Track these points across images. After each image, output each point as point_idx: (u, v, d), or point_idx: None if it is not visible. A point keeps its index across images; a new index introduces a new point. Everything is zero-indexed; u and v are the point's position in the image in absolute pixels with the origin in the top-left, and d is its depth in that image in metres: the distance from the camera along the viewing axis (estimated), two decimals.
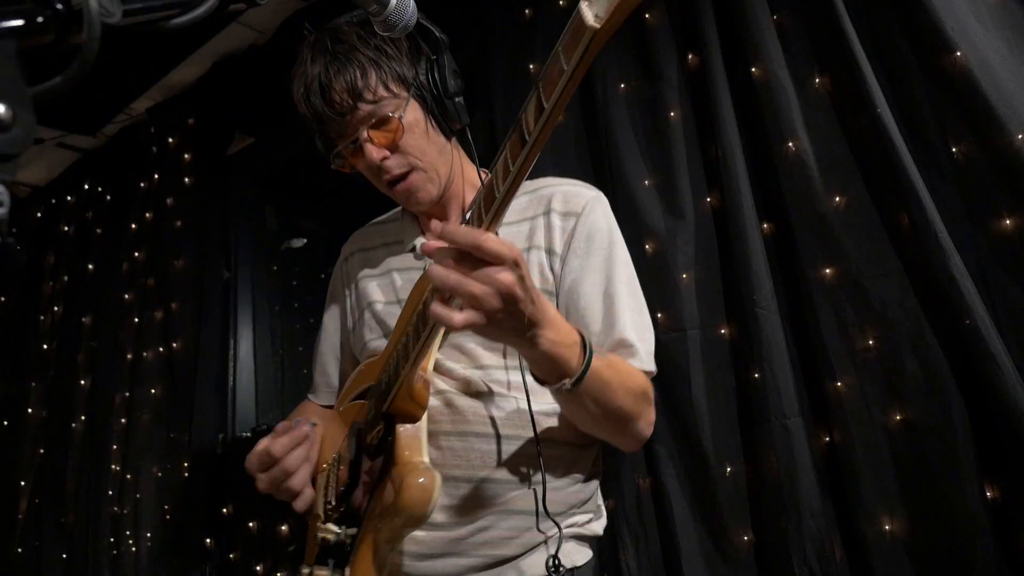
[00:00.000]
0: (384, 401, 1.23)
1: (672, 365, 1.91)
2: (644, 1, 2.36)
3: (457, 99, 1.38)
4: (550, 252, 1.37)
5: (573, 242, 1.36)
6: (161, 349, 3.38)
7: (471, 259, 0.89)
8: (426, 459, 1.21)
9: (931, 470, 1.58)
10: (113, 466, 3.39)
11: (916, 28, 1.71)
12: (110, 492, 3.37)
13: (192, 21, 0.77)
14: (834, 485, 1.70)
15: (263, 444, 1.31)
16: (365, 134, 1.32)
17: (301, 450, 1.31)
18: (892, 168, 1.67)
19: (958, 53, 1.64)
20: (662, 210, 2.03)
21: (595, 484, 1.40)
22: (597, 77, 2.21)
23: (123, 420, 3.43)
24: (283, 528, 2.81)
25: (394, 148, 1.34)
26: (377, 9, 1.12)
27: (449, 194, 1.48)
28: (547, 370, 1.05)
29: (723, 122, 1.94)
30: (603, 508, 1.44)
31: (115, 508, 3.32)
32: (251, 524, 2.93)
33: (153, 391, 3.34)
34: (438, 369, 1.32)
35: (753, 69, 1.93)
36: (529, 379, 1.26)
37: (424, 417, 1.24)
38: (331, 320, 1.67)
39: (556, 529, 1.26)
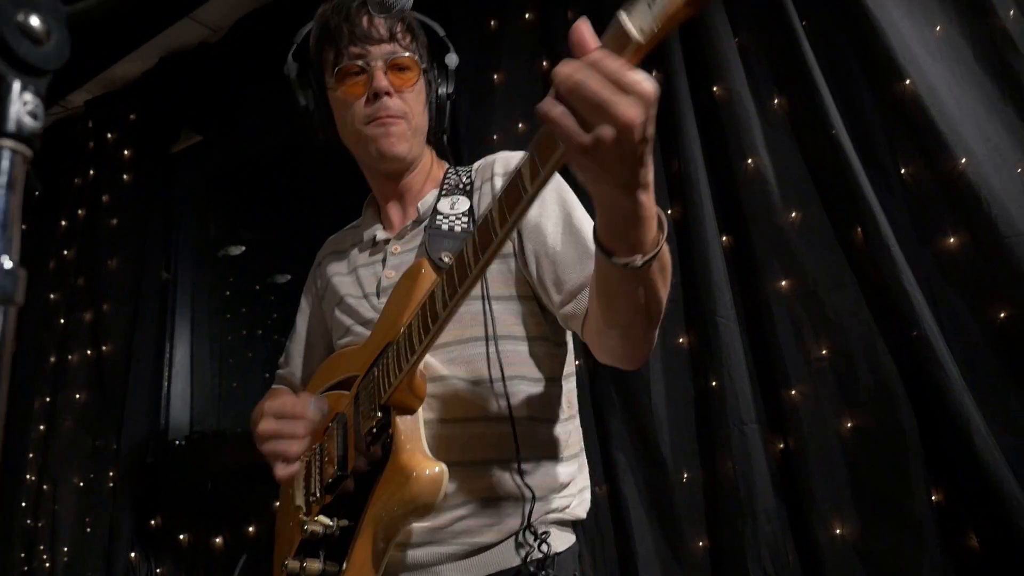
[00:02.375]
0: (382, 393, 1.21)
1: (633, 373, 1.93)
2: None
3: (449, 105, 1.47)
4: None
5: None
6: (89, 352, 3.21)
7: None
8: (428, 451, 1.18)
9: (881, 475, 1.64)
10: (28, 476, 3.19)
11: (870, 56, 1.81)
12: (23, 504, 3.15)
13: None
14: (789, 490, 1.75)
15: (290, 399, 1.28)
16: (382, 64, 1.35)
17: (309, 425, 1.27)
18: (847, 186, 1.75)
19: (907, 81, 1.75)
20: None
21: (574, 465, 1.37)
22: None
23: (42, 427, 3.23)
24: (217, 540, 2.69)
25: (399, 93, 1.37)
26: None
27: (410, 179, 1.48)
28: (623, 238, 0.90)
29: (686, 137, 2.00)
30: (587, 490, 1.40)
31: (28, 521, 3.12)
32: (182, 536, 2.79)
33: (78, 396, 3.17)
34: None
35: (715, 88, 2.00)
36: (502, 348, 1.26)
37: (421, 409, 1.22)
38: (303, 323, 1.65)
39: (534, 518, 1.24)
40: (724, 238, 1.95)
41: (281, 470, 1.25)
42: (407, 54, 1.38)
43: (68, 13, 0.55)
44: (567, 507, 1.32)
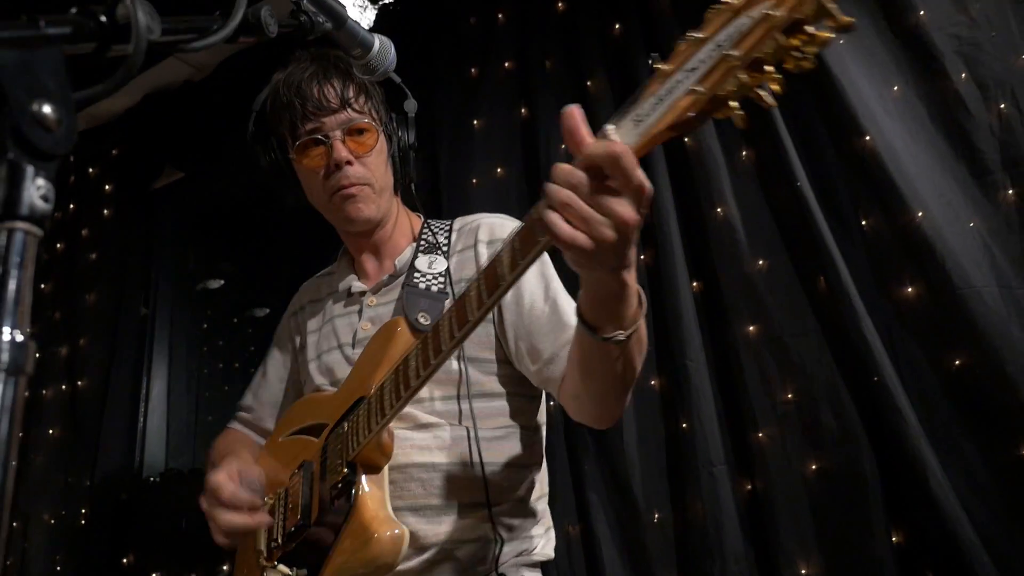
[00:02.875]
0: (350, 449, 1.24)
1: None
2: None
3: (413, 154, 1.48)
4: None
5: None
6: (64, 387, 3.19)
7: (599, 176, 0.80)
8: (391, 510, 1.22)
9: (844, 516, 1.70)
10: None
11: (831, 112, 1.91)
12: None
13: (209, 45, 0.81)
14: (756, 531, 1.80)
15: (218, 480, 1.29)
16: (340, 134, 1.38)
17: (239, 519, 1.29)
18: (810, 236, 1.83)
19: (867, 137, 1.84)
20: None
21: (542, 505, 1.42)
22: (541, 137, 2.33)
23: (12, 463, 3.19)
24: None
25: (359, 159, 1.40)
26: (360, 53, 1.17)
27: (383, 233, 1.52)
28: (608, 315, 0.96)
29: (658, 186, 2.08)
30: (552, 530, 1.44)
31: None
32: (154, 575, 2.77)
33: (51, 431, 3.14)
34: None
35: (686, 138, 2.08)
36: (476, 405, 1.31)
37: (386, 467, 1.25)
38: (274, 370, 1.64)
39: (504, 559, 1.28)
40: (694, 284, 2.01)
41: (219, 538, 1.28)
42: (365, 119, 1.40)
43: (77, 99, 0.60)
44: (535, 549, 1.36)
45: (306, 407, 1.46)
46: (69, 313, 3.32)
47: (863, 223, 1.84)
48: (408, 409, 1.31)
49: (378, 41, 1.17)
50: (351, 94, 1.38)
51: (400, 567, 1.25)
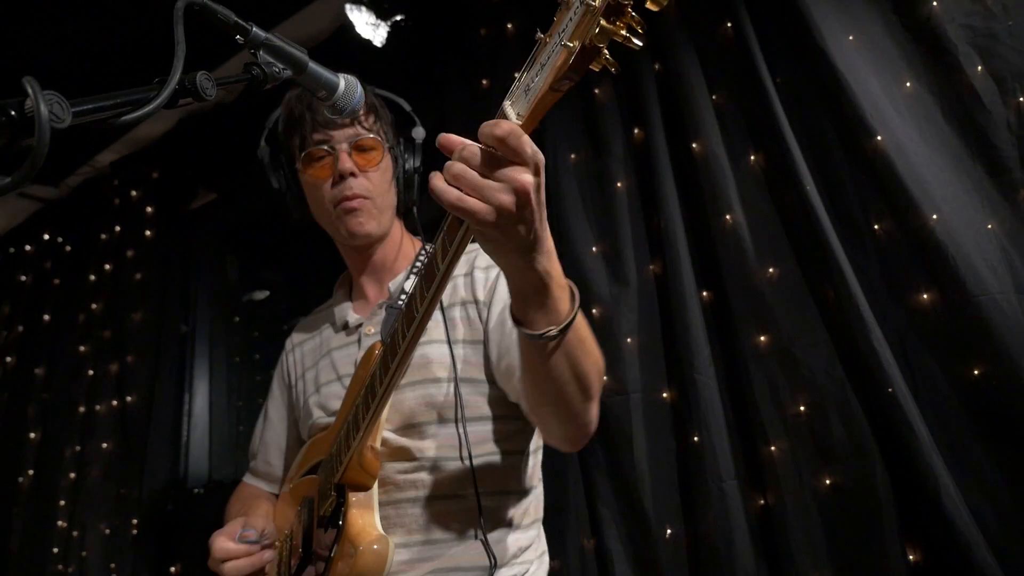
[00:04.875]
0: (336, 472, 1.27)
1: (616, 427, 1.97)
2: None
3: (417, 178, 1.54)
4: (475, 302, 1.41)
5: (497, 287, 1.40)
6: (115, 403, 3.35)
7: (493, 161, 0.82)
8: (379, 526, 1.24)
9: (857, 532, 1.65)
10: (60, 523, 3.32)
11: (839, 113, 1.84)
12: (55, 550, 3.29)
13: (142, 118, 0.84)
14: (768, 546, 1.76)
15: (214, 541, 1.33)
16: (346, 146, 1.43)
17: (244, 562, 1.33)
18: (819, 243, 1.78)
19: (878, 137, 1.77)
20: (607, 277, 2.11)
21: (534, 531, 1.42)
22: (548, 148, 2.31)
23: (72, 475, 3.37)
24: None
25: (364, 173, 1.44)
26: (326, 95, 1.19)
27: (383, 254, 1.55)
28: (535, 309, 0.95)
29: (665, 194, 2.05)
30: (546, 554, 1.45)
31: (59, 566, 3.24)
32: None
33: (104, 445, 3.30)
34: None
35: (694, 144, 2.05)
36: (468, 429, 1.31)
37: (375, 485, 1.28)
38: (275, 411, 1.69)
39: None
40: (703, 293, 1.98)
41: None
42: (371, 135, 1.45)
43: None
44: (526, 573, 1.37)
45: (312, 447, 1.50)
46: (118, 331, 3.48)
47: (875, 227, 1.78)
48: (401, 441, 1.34)
49: (343, 81, 1.18)
50: (362, 112, 1.43)
51: None
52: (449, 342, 1.37)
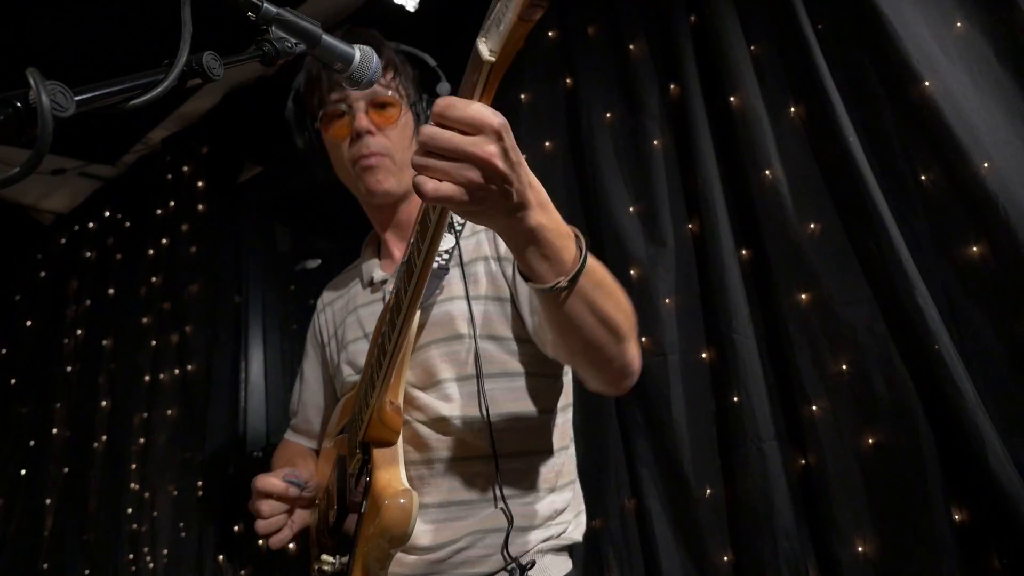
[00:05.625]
0: (359, 431, 1.31)
1: (654, 388, 1.96)
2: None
3: None
4: (499, 259, 1.41)
5: None
6: (176, 371, 3.49)
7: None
8: (404, 480, 1.27)
9: (900, 493, 1.61)
10: (132, 485, 3.51)
11: (884, 59, 1.76)
12: (129, 510, 3.47)
13: (150, 101, 0.86)
14: (808, 507, 1.74)
15: (261, 478, 1.40)
16: (363, 104, 1.43)
17: (281, 505, 1.39)
18: (861, 197, 1.71)
19: (926, 83, 1.69)
20: (644, 237, 2.08)
21: (569, 493, 1.43)
22: (583, 106, 2.28)
23: (141, 440, 3.54)
24: (291, 547, 2.89)
25: (381, 130, 1.45)
26: (342, 67, 1.19)
27: (407, 211, 1.56)
28: (538, 262, 0.94)
29: (702, 151, 2.00)
30: (583, 514, 1.47)
31: (134, 526, 3.43)
32: (260, 543, 3.01)
33: (169, 412, 3.45)
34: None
35: (731, 99, 1.98)
36: (493, 386, 1.33)
37: (400, 440, 1.31)
38: (311, 370, 1.74)
39: (527, 546, 1.31)
40: (742, 252, 1.94)
41: (274, 542, 1.38)
42: (388, 92, 1.45)
43: None
44: (563, 533, 1.39)
45: (344, 406, 1.55)
46: (176, 303, 3.60)
47: (921, 178, 1.70)
48: (427, 398, 1.36)
49: (359, 52, 1.19)
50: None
51: (430, 557, 1.31)
52: (468, 298, 1.37)
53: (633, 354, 1.15)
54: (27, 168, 0.67)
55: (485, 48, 0.82)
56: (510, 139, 0.83)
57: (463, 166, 0.81)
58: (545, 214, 0.91)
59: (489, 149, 0.81)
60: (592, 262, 0.99)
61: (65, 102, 0.70)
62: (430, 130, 0.82)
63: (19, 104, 0.69)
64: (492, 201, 0.85)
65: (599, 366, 1.15)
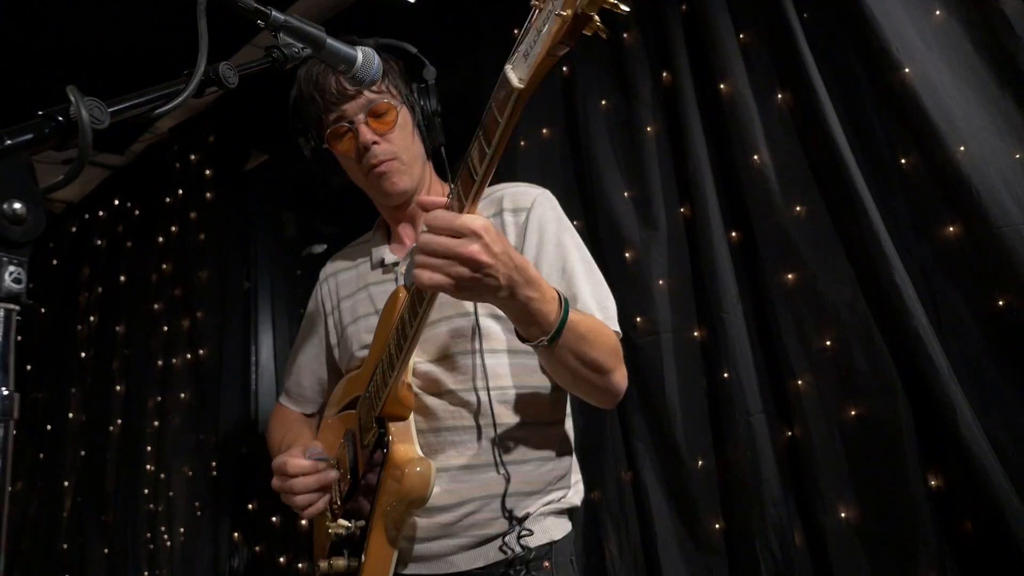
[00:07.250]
0: (375, 407, 1.40)
1: (648, 367, 2.05)
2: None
3: (438, 119, 1.58)
4: None
5: (527, 235, 1.49)
6: (188, 356, 3.59)
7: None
8: (419, 451, 1.38)
9: (880, 462, 1.71)
10: (148, 466, 3.62)
11: (866, 47, 1.82)
12: (146, 491, 3.59)
13: (174, 108, 0.95)
14: (794, 476, 1.84)
15: (282, 459, 1.47)
16: (362, 117, 1.49)
17: (312, 479, 1.47)
18: (843, 180, 1.79)
19: (905, 70, 1.76)
20: (638, 221, 2.16)
21: (568, 461, 1.53)
22: (579, 94, 2.35)
23: (156, 423, 3.65)
24: (303, 523, 3.00)
25: (383, 137, 1.51)
26: (345, 68, 1.27)
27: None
28: (527, 326, 1.16)
29: (693, 137, 2.07)
30: (580, 483, 1.57)
31: (151, 506, 3.55)
32: (274, 519, 3.13)
33: (183, 396, 3.56)
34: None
35: (721, 86, 2.05)
36: (494, 361, 1.44)
37: (411, 415, 1.41)
38: (308, 338, 1.81)
39: (529, 509, 1.41)
40: (732, 234, 2.02)
41: (311, 512, 1.47)
42: (383, 99, 1.51)
43: (43, 192, 0.74)
44: (563, 497, 1.49)
45: (347, 384, 1.64)
46: (187, 290, 3.70)
47: (901, 162, 1.78)
48: (435, 372, 1.45)
49: (360, 54, 1.27)
50: None
51: (441, 519, 1.41)
52: None
53: (618, 380, 1.37)
54: (70, 176, 0.76)
55: (514, 76, 0.94)
56: (490, 235, 1.03)
57: (451, 263, 1.02)
58: (532, 288, 1.11)
59: (472, 248, 1.01)
60: (574, 316, 1.19)
61: (101, 115, 0.79)
62: (425, 238, 1.03)
63: (61, 119, 0.77)
64: (482, 287, 1.05)
65: (588, 394, 1.40)
